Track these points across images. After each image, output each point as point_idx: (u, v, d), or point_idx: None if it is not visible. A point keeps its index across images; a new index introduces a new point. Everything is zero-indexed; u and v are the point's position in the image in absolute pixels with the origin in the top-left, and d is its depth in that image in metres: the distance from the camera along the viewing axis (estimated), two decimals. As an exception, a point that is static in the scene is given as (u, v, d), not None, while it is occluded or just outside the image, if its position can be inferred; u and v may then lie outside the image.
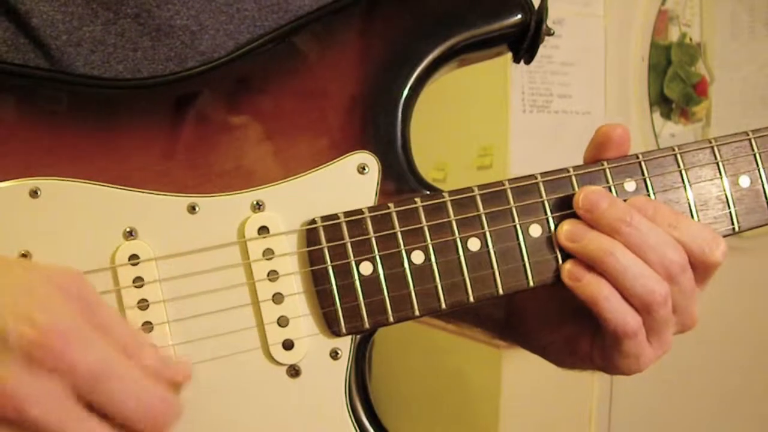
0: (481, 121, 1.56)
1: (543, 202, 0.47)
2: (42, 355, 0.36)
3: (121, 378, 0.37)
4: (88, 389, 0.37)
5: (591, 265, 0.46)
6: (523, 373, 1.48)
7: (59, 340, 0.36)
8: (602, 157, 0.48)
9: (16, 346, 0.36)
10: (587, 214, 0.46)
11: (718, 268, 0.47)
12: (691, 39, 1.66)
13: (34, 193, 0.44)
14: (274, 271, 0.45)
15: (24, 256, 0.43)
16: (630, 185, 0.48)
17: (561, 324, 0.51)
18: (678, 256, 0.45)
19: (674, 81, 1.64)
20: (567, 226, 0.46)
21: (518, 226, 0.47)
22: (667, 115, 1.66)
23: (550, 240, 0.47)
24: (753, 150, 0.50)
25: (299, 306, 0.45)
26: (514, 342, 0.57)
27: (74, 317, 0.37)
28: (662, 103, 1.65)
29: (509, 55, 0.52)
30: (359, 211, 0.46)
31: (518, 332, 0.55)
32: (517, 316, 0.54)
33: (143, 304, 0.44)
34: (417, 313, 0.46)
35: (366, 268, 0.45)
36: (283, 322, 0.45)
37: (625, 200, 0.47)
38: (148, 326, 0.44)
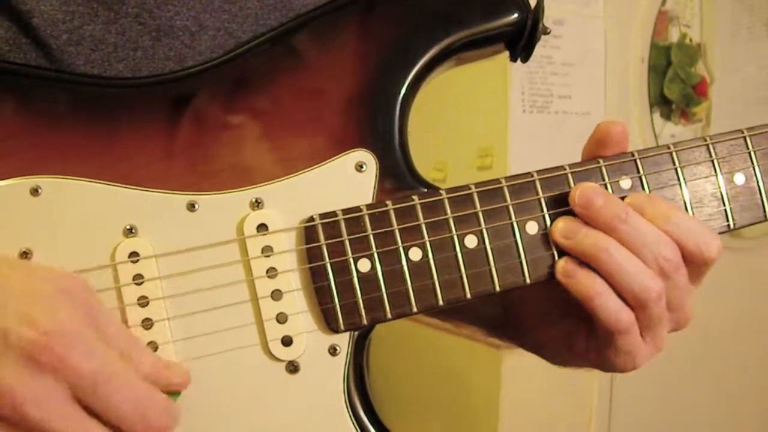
0: (481, 122, 1.56)
1: (539, 199, 0.47)
2: (43, 356, 0.36)
3: (119, 383, 0.38)
4: (88, 392, 0.37)
5: (586, 262, 0.46)
6: (523, 373, 1.48)
7: (60, 343, 0.36)
8: (600, 154, 0.49)
9: (17, 347, 0.36)
10: (583, 211, 0.46)
11: (713, 265, 0.47)
12: (691, 40, 1.66)
13: (35, 192, 0.44)
14: (273, 268, 0.46)
15: (25, 254, 0.44)
16: (626, 183, 0.48)
17: (557, 321, 0.51)
18: (672, 253, 0.45)
19: (674, 82, 1.64)
20: (561, 223, 0.47)
21: (515, 224, 0.47)
22: (667, 116, 1.66)
23: (547, 237, 0.47)
24: (748, 148, 0.50)
25: (298, 303, 0.46)
26: (509, 340, 0.57)
27: (76, 321, 0.38)
28: (662, 104, 1.65)
29: (513, 62, 0.52)
30: (357, 209, 0.46)
31: (514, 329, 0.55)
32: (513, 313, 0.54)
33: (143, 301, 0.44)
34: (415, 309, 0.46)
35: (364, 265, 0.46)
36: (281, 318, 0.45)
37: (621, 198, 0.48)
38: (148, 323, 0.44)
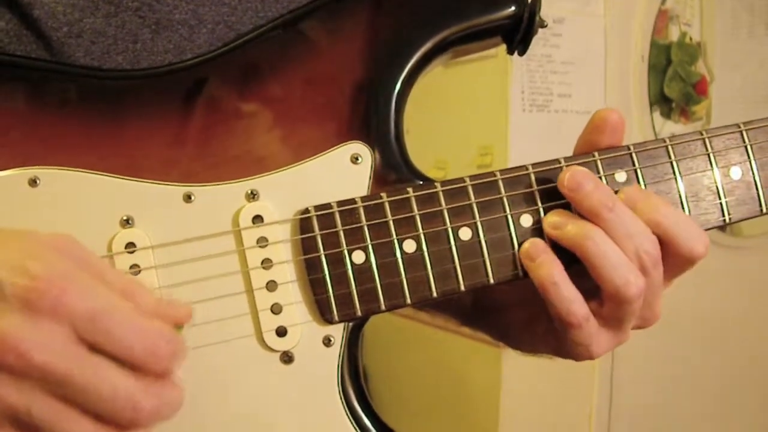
0: (481, 120, 1.56)
1: (534, 192, 0.48)
2: (39, 300, 0.36)
3: (120, 316, 0.37)
4: (89, 330, 0.37)
5: (554, 247, 0.46)
6: (523, 373, 1.48)
7: (55, 285, 0.36)
8: (596, 141, 0.49)
9: (13, 296, 0.36)
10: (571, 193, 0.46)
11: (696, 263, 0.47)
12: (691, 38, 1.66)
13: (33, 182, 0.44)
14: (268, 259, 0.46)
15: (23, 244, 0.44)
16: (621, 176, 0.48)
17: (522, 304, 0.51)
18: (653, 248, 0.45)
19: (674, 80, 1.64)
20: (553, 216, 0.47)
21: (509, 216, 0.47)
22: (667, 115, 1.66)
23: (541, 230, 0.47)
24: (744, 142, 0.50)
25: (292, 293, 0.46)
26: (478, 329, 0.57)
27: (69, 265, 0.37)
28: (662, 103, 1.65)
29: (510, 55, 0.52)
30: (352, 201, 0.46)
31: (483, 316, 0.55)
32: (483, 300, 0.55)
33: None
34: (409, 301, 0.46)
35: (358, 256, 0.46)
36: (276, 309, 0.46)
37: (616, 191, 0.48)
38: None
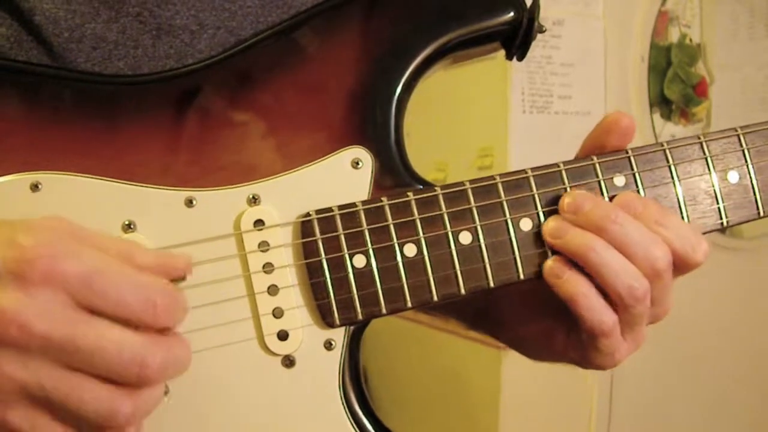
0: (481, 122, 1.57)
1: (533, 196, 0.48)
2: (31, 270, 0.36)
3: (115, 275, 0.37)
4: (84, 293, 0.36)
5: (574, 261, 0.46)
6: (523, 373, 1.48)
7: (45, 253, 0.36)
8: (604, 142, 0.49)
9: (6, 270, 0.36)
10: (572, 216, 0.47)
11: (696, 268, 0.48)
12: (691, 40, 1.66)
13: (35, 187, 0.45)
14: (270, 263, 0.46)
15: (25, 248, 0.44)
16: (619, 180, 0.49)
17: (538, 318, 0.52)
18: (663, 252, 0.46)
19: (674, 82, 1.64)
20: (552, 223, 0.47)
21: (509, 220, 0.48)
22: (667, 116, 1.66)
23: (540, 234, 0.47)
24: (742, 146, 0.51)
25: (294, 297, 0.46)
26: (487, 333, 0.57)
27: (58, 235, 0.37)
28: (662, 104, 1.65)
29: (509, 60, 0.52)
30: (353, 205, 0.47)
31: (494, 323, 0.56)
32: (495, 306, 0.55)
33: None
34: (409, 305, 0.47)
35: (359, 260, 0.46)
36: (278, 313, 0.46)
37: (614, 195, 0.48)
38: None
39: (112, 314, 0.37)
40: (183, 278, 0.41)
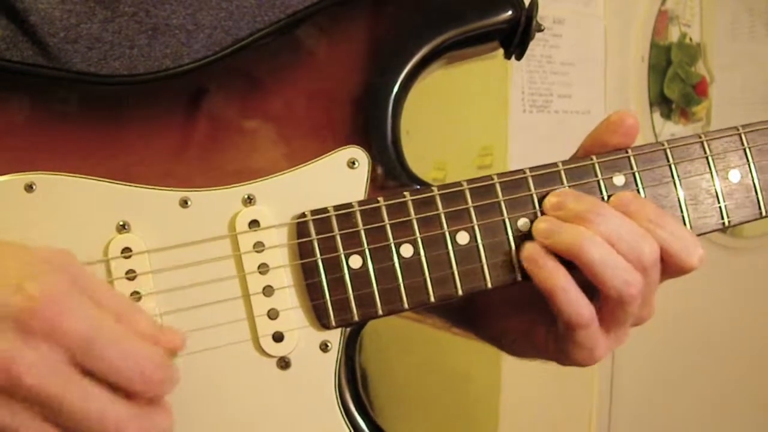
0: (481, 121, 1.56)
1: (531, 195, 0.48)
2: (34, 322, 0.36)
3: (114, 341, 0.37)
4: (83, 354, 0.37)
5: (560, 256, 0.45)
6: (523, 373, 1.48)
7: (50, 307, 0.36)
8: (606, 141, 0.48)
9: (8, 316, 0.36)
10: (557, 212, 0.46)
11: (688, 273, 0.47)
12: (691, 39, 1.66)
13: (29, 188, 0.44)
14: (265, 264, 0.46)
15: (19, 249, 0.44)
16: (619, 179, 0.48)
17: (519, 312, 0.51)
18: (651, 248, 0.45)
19: (674, 81, 1.64)
20: (542, 224, 0.46)
21: (507, 220, 0.47)
22: (667, 116, 1.66)
23: None
24: (743, 144, 0.50)
25: (289, 299, 0.46)
26: (469, 330, 0.57)
27: (63, 284, 0.37)
28: (662, 104, 1.65)
29: (507, 59, 0.52)
30: (349, 205, 0.46)
31: (475, 319, 0.55)
32: (475, 303, 0.54)
33: (135, 296, 0.44)
34: (406, 306, 0.46)
35: (355, 261, 0.46)
36: (273, 314, 0.46)
37: (612, 195, 0.48)
38: None
39: (105, 378, 0.38)
40: (174, 353, 0.41)
